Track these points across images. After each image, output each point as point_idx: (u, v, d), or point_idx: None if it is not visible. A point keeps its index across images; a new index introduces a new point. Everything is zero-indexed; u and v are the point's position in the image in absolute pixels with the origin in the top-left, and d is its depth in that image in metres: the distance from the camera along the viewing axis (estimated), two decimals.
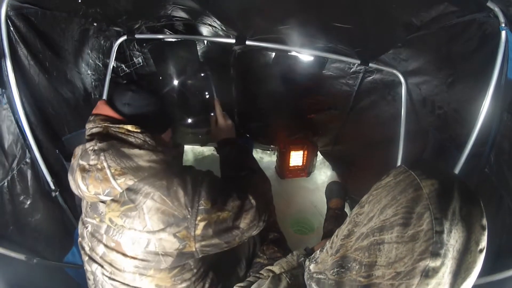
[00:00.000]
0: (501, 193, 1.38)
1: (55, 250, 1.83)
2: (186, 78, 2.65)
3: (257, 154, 3.64)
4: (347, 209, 2.93)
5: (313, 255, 1.16)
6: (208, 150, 3.66)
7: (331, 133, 3.16)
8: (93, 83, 2.22)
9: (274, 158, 3.55)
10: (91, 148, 1.30)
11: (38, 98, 1.73)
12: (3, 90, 1.55)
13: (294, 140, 3.22)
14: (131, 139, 1.32)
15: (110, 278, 1.42)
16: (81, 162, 1.32)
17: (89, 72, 2.17)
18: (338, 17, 1.81)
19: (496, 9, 1.33)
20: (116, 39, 2.30)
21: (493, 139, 1.46)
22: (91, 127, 1.37)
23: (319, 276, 1.02)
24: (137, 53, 2.47)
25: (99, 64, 2.26)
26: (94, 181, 1.29)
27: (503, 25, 1.35)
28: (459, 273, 0.72)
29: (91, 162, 1.29)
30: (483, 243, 0.74)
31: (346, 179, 3.15)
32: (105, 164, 1.27)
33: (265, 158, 3.66)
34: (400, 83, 2.20)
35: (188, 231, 1.32)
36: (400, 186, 0.81)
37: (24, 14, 1.59)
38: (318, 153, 3.42)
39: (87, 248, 1.47)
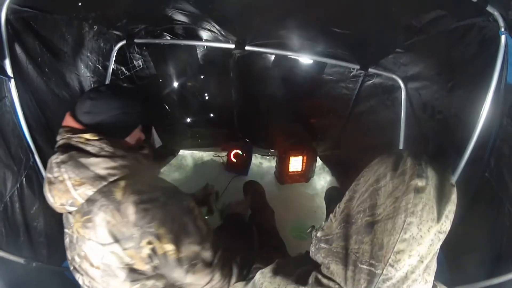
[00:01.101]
0: (501, 197, 1.38)
1: (58, 254, 1.82)
2: (186, 80, 2.66)
3: (257, 159, 3.63)
4: None
5: (319, 225, 1.24)
6: (207, 155, 3.66)
7: (330, 138, 3.17)
8: (92, 85, 2.20)
9: (273, 163, 3.54)
10: (54, 161, 1.32)
11: (37, 101, 1.73)
12: (6, 95, 1.55)
13: (293, 146, 3.21)
14: (89, 148, 1.32)
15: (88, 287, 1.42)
16: (48, 175, 1.34)
17: (88, 74, 2.17)
18: (338, 21, 1.81)
19: (496, 14, 1.34)
20: (116, 42, 2.31)
21: (493, 144, 1.46)
22: (58, 140, 1.39)
23: (327, 237, 1.11)
24: (137, 55, 2.47)
25: (99, 66, 2.26)
26: (58, 192, 1.31)
27: (502, 29, 1.35)
28: (441, 199, 0.90)
29: (55, 175, 1.31)
30: (452, 181, 0.94)
31: (346, 184, 3.12)
32: (65, 176, 1.29)
33: (265, 163, 3.65)
34: (399, 88, 2.20)
35: (135, 251, 1.29)
36: (386, 156, 1.03)
37: (24, 18, 1.59)
38: (318, 158, 3.41)
39: (69, 258, 1.46)
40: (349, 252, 0.98)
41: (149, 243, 1.28)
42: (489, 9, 1.34)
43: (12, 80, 1.54)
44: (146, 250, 1.28)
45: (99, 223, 1.28)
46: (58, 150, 1.35)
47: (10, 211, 1.55)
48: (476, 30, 1.51)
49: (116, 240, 1.28)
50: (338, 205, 1.14)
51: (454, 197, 0.91)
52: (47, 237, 1.74)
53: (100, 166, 1.29)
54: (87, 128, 1.36)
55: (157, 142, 3.11)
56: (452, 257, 0.87)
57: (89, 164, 1.29)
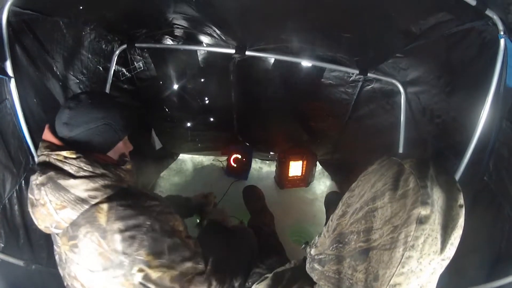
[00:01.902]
0: (500, 201, 1.38)
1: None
2: (186, 83, 2.66)
3: (256, 164, 3.65)
4: None
5: (312, 241, 1.18)
6: (207, 159, 3.67)
7: (330, 142, 3.18)
8: (92, 86, 2.19)
9: (273, 168, 3.55)
10: (34, 182, 1.27)
11: (38, 104, 1.72)
12: (7, 97, 1.55)
13: (293, 150, 3.24)
14: (67, 167, 1.25)
15: None
16: (29, 195, 1.30)
17: (88, 75, 2.15)
18: (338, 25, 1.82)
19: (495, 17, 1.34)
20: (117, 44, 2.31)
21: (492, 147, 1.46)
22: (38, 155, 1.34)
23: (320, 257, 1.06)
24: (138, 57, 2.47)
25: (100, 67, 2.25)
26: (41, 215, 1.28)
27: (502, 33, 1.35)
28: (447, 225, 0.81)
29: (36, 197, 1.27)
30: (461, 201, 0.84)
31: (346, 189, 3.12)
32: (46, 199, 1.24)
33: (264, 168, 3.66)
34: (399, 92, 2.20)
35: (125, 279, 1.27)
36: (385, 167, 0.93)
37: (26, 20, 1.59)
38: (317, 163, 3.42)
39: (61, 274, 1.44)
40: (342, 277, 0.94)
41: (141, 270, 1.26)
42: (488, 12, 1.33)
43: (13, 82, 1.53)
44: (138, 278, 1.26)
45: (85, 250, 1.26)
46: (38, 167, 1.29)
47: (9, 213, 1.54)
48: (475, 34, 1.51)
49: (105, 268, 1.26)
50: (331, 218, 1.08)
51: (461, 221, 0.83)
52: (47, 240, 1.73)
53: (80, 188, 1.25)
54: (66, 144, 1.30)
55: (157, 144, 3.10)
56: (451, 261, 0.86)
57: (69, 186, 1.24)
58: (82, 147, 1.31)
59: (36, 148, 1.66)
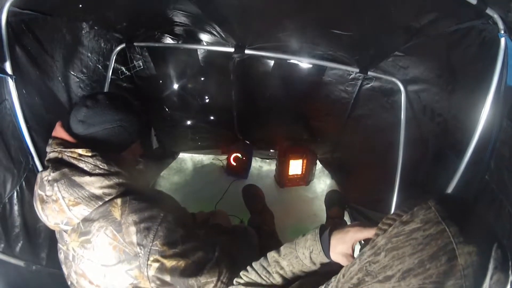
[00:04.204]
0: (501, 199, 1.38)
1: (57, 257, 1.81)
2: (186, 82, 2.66)
3: (256, 162, 3.64)
4: (346, 218, 2.92)
5: None
6: (207, 158, 3.66)
7: (330, 141, 3.18)
8: (92, 85, 2.20)
9: (273, 167, 3.55)
10: (45, 178, 1.28)
11: (38, 104, 1.72)
12: (6, 98, 1.54)
13: (293, 149, 3.23)
14: (82, 165, 1.27)
15: None
16: (39, 192, 1.31)
17: (88, 75, 2.15)
18: (337, 23, 1.81)
19: (495, 16, 1.33)
20: (117, 43, 2.31)
21: (493, 146, 1.45)
22: (49, 151, 1.35)
23: None
24: (138, 56, 2.47)
25: (99, 66, 2.25)
26: (52, 212, 1.28)
27: (502, 32, 1.34)
28: None
29: (47, 193, 1.28)
30: None
31: (346, 188, 3.15)
32: (59, 195, 1.26)
33: (264, 167, 3.65)
34: (399, 90, 2.20)
35: (140, 270, 1.27)
36: (430, 248, 0.68)
37: (25, 20, 1.59)
38: (317, 161, 3.42)
39: (65, 274, 1.44)
40: None
41: (156, 260, 1.26)
42: (489, 11, 1.33)
43: (12, 82, 1.53)
44: (153, 268, 1.27)
45: (99, 245, 1.27)
46: (49, 164, 1.30)
47: (8, 213, 1.54)
48: (476, 32, 1.51)
49: (120, 261, 1.27)
50: (342, 273, 0.89)
51: None
52: (47, 240, 1.73)
53: (95, 185, 1.26)
54: (80, 142, 1.32)
55: (154, 143, 3.10)
56: None
57: (84, 183, 1.26)
58: (95, 145, 1.32)
59: (36, 147, 1.66)
